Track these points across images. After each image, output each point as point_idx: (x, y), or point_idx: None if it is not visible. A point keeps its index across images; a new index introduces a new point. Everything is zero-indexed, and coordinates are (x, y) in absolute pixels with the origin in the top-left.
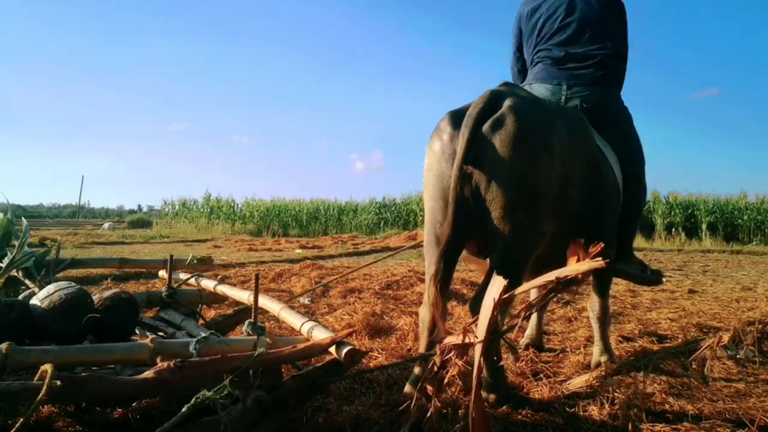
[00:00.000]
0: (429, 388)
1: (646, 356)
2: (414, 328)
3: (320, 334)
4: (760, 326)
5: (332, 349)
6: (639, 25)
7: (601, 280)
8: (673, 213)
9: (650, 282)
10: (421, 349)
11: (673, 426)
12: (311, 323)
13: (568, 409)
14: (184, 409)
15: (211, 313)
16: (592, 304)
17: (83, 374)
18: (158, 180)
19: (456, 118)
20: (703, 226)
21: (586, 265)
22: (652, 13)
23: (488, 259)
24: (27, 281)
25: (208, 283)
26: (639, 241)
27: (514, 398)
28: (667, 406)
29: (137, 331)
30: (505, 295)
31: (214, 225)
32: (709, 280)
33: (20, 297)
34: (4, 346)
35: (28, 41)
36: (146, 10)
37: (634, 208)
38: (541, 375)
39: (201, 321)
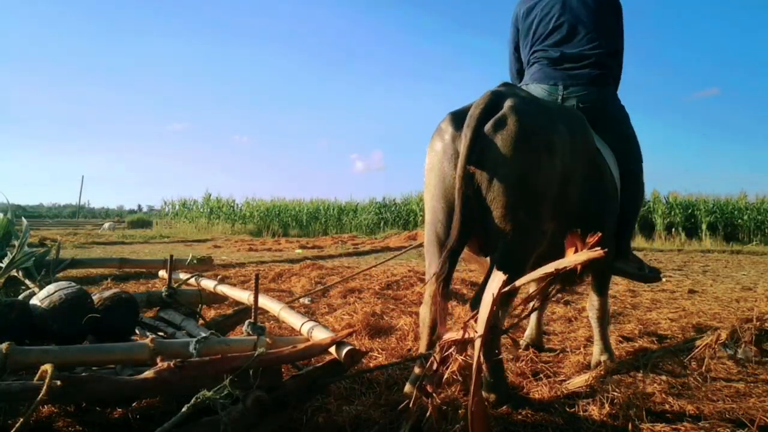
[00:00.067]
0: (429, 386)
1: (646, 355)
2: (414, 328)
3: (320, 334)
4: (758, 323)
5: (332, 349)
6: (639, 25)
7: (600, 280)
8: (673, 213)
9: (648, 279)
10: (422, 348)
11: (673, 426)
12: (311, 323)
13: (568, 409)
14: (184, 409)
15: (211, 313)
16: (591, 303)
17: (83, 374)
18: (158, 180)
19: (457, 118)
20: (703, 226)
21: (585, 255)
22: (653, 13)
23: (489, 258)
24: (27, 281)
25: (208, 283)
26: (639, 241)
27: (514, 398)
28: (667, 406)
29: (137, 331)
30: (505, 289)
31: (214, 225)
32: (709, 280)
33: (20, 297)
34: (4, 346)
35: (28, 41)
36: (146, 10)
37: (632, 206)
38: (541, 375)
39: (201, 321)
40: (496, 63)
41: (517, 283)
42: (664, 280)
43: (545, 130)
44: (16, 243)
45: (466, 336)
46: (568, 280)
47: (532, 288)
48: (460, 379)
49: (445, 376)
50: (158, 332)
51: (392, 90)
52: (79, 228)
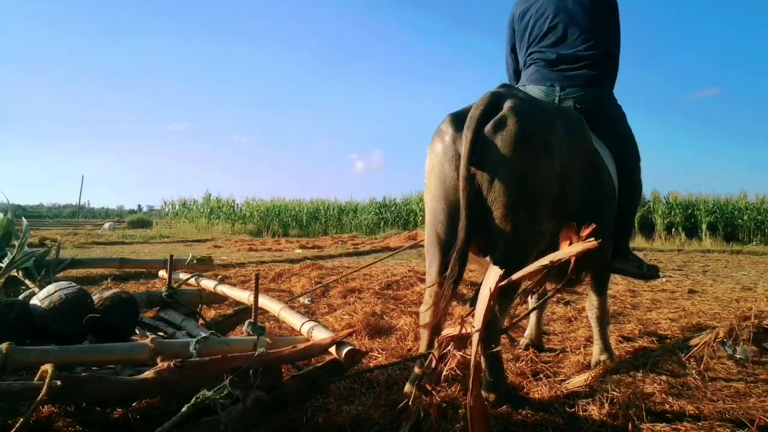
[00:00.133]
0: (428, 384)
1: (645, 354)
2: (414, 328)
3: (320, 334)
4: (755, 321)
5: (332, 349)
6: (640, 25)
7: (598, 280)
8: (673, 213)
9: (647, 277)
10: (422, 348)
11: (673, 426)
12: (311, 323)
13: (567, 409)
14: (184, 409)
15: (211, 313)
16: (590, 303)
17: (83, 374)
18: (158, 180)
19: (457, 120)
20: (703, 226)
21: (579, 246)
22: (653, 13)
23: (488, 258)
24: (27, 281)
25: (208, 283)
26: (639, 241)
27: (514, 398)
28: (667, 406)
29: (137, 331)
30: (502, 283)
31: (214, 225)
32: (709, 280)
33: (20, 297)
34: (4, 346)
35: (28, 41)
36: (146, 10)
37: (630, 206)
38: (541, 375)
39: (201, 321)
40: (496, 63)
41: (514, 277)
42: (664, 279)
43: (544, 130)
44: (16, 243)
45: (464, 332)
46: (568, 280)
47: (532, 304)
48: (459, 374)
49: (444, 373)
50: (158, 332)
51: (392, 90)
52: (79, 228)
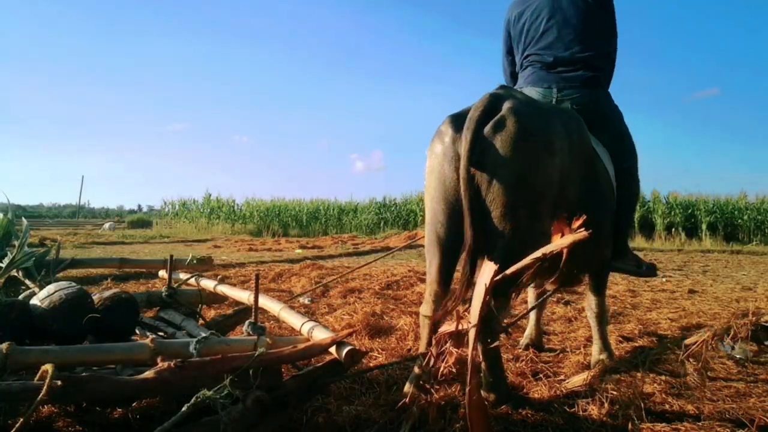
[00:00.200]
0: (427, 383)
1: (644, 353)
2: (414, 328)
3: (320, 334)
4: (753, 318)
5: (332, 349)
6: (640, 25)
7: (597, 279)
8: (673, 213)
9: (646, 275)
10: (422, 348)
11: (673, 426)
12: (311, 323)
13: (567, 409)
14: (184, 409)
15: (211, 313)
16: (589, 302)
17: (84, 374)
18: (158, 180)
19: (457, 121)
20: (703, 226)
21: (570, 238)
22: (654, 13)
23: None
24: (27, 281)
25: (208, 283)
26: (639, 241)
27: (514, 398)
28: (667, 406)
29: (137, 331)
30: (497, 277)
31: (214, 225)
32: (709, 280)
33: (20, 297)
34: (4, 346)
35: (28, 41)
36: (146, 10)
37: (628, 204)
38: (541, 375)
39: (201, 321)
40: (496, 63)
41: (508, 271)
42: (664, 279)
43: (543, 131)
44: (16, 243)
45: (461, 328)
46: (568, 280)
47: (529, 291)
48: (457, 373)
49: (442, 370)
50: (158, 332)
51: (392, 90)
52: (79, 228)
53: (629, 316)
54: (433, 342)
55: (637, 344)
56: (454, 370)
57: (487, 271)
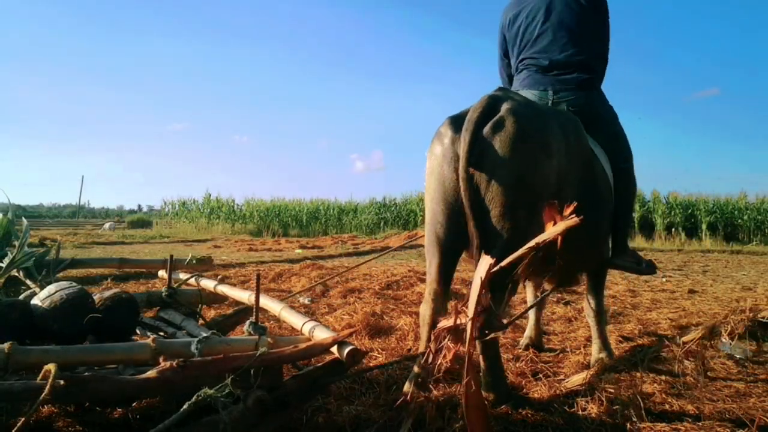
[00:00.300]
0: (426, 380)
1: (642, 351)
2: (414, 328)
3: (322, 334)
4: (750, 314)
5: (333, 349)
6: (640, 25)
7: (596, 279)
8: (673, 213)
9: (645, 272)
10: (422, 348)
11: (673, 426)
12: (312, 323)
13: (567, 409)
14: (185, 407)
15: (211, 313)
16: (588, 302)
17: (86, 374)
18: (158, 180)
19: (456, 122)
20: (703, 226)
21: (562, 225)
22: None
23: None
24: (28, 281)
25: (208, 283)
26: (639, 242)
27: (513, 398)
28: (667, 406)
29: (138, 331)
30: (493, 269)
31: (214, 225)
32: (709, 280)
33: (21, 297)
34: (6, 346)
35: (28, 41)
36: (146, 10)
37: (626, 202)
38: (541, 375)
39: (201, 321)
40: (495, 63)
41: (503, 263)
42: (664, 279)
43: (542, 131)
44: (17, 243)
45: (458, 322)
46: (567, 280)
47: (528, 291)
48: (455, 369)
49: (440, 365)
50: (159, 332)
51: (392, 90)
52: (79, 228)
53: (629, 316)
54: (432, 337)
55: (636, 344)
56: (452, 366)
57: (483, 265)
